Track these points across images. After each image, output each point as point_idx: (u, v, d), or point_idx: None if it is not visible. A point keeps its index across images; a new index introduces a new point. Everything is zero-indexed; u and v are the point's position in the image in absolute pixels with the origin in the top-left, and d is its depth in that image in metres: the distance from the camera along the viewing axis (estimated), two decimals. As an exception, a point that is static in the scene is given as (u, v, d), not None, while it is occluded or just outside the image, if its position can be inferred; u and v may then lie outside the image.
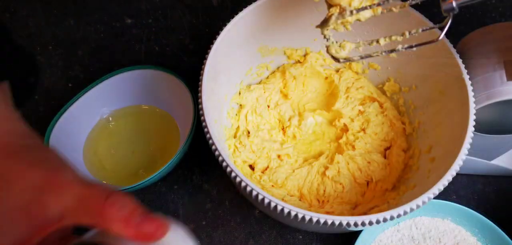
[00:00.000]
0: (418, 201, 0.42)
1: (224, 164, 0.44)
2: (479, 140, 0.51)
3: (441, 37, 0.37)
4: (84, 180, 0.28)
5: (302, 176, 0.56)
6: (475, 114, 0.46)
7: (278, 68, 0.64)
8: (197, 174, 0.61)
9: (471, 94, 0.47)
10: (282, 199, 0.54)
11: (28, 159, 0.29)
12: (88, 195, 0.27)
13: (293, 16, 0.59)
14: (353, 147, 0.58)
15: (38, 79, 0.70)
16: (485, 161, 0.56)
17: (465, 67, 0.49)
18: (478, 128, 0.49)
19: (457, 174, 0.44)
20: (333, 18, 0.40)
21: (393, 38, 0.41)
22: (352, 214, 0.54)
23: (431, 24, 0.51)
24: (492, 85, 0.47)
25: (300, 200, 0.55)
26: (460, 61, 0.49)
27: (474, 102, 0.47)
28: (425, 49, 0.55)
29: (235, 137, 0.59)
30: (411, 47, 0.40)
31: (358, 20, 0.41)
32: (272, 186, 0.56)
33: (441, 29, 0.37)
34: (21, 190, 0.27)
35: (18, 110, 0.33)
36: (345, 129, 0.61)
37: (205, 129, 0.46)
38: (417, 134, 0.58)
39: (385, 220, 0.42)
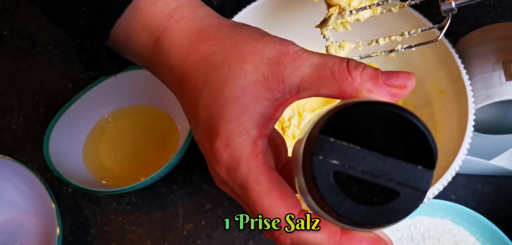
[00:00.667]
0: (417, 200, 0.42)
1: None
2: (478, 140, 0.51)
3: (440, 37, 0.38)
4: (313, 51, 0.27)
5: (302, 176, 0.56)
6: (474, 114, 0.46)
7: (277, 68, 0.65)
8: (196, 174, 0.62)
9: (470, 94, 0.47)
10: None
11: (250, 34, 0.28)
12: (327, 62, 0.25)
13: (293, 16, 0.59)
14: (353, 147, 0.58)
15: (38, 79, 0.70)
16: (484, 161, 0.56)
17: (464, 67, 0.49)
18: (477, 128, 0.49)
19: (456, 174, 0.44)
20: (333, 18, 0.40)
21: (393, 38, 0.41)
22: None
23: (430, 24, 0.51)
24: (491, 85, 0.47)
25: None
26: (459, 61, 0.50)
27: (473, 102, 0.47)
28: (425, 49, 0.55)
29: (234, 137, 0.59)
30: (410, 47, 0.40)
31: (358, 20, 0.41)
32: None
33: (440, 29, 0.38)
34: (256, 65, 0.26)
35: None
36: (344, 129, 0.61)
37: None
38: (416, 134, 0.58)
39: (384, 219, 0.42)
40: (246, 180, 0.25)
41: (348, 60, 0.26)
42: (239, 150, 0.25)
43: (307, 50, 0.27)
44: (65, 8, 0.32)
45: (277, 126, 0.62)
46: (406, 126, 0.21)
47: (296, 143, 0.27)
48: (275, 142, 0.32)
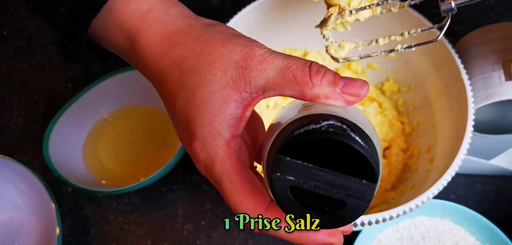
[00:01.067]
0: (417, 201, 0.43)
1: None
2: (478, 140, 0.51)
3: (440, 37, 0.38)
4: (279, 52, 0.29)
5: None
6: (474, 114, 0.46)
7: (277, 68, 0.65)
8: (196, 174, 0.62)
9: (470, 94, 0.47)
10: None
11: (218, 38, 0.30)
12: (290, 66, 0.28)
13: (292, 16, 0.59)
14: (352, 147, 0.58)
15: (38, 79, 0.70)
16: (484, 161, 0.56)
17: (464, 67, 0.49)
18: (477, 128, 0.49)
19: (456, 174, 0.44)
20: (332, 18, 0.40)
21: (392, 38, 0.41)
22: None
23: (430, 24, 0.51)
24: (491, 85, 0.47)
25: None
26: (458, 61, 0.50)
27: (473, 102, 0.47)
28: (424, 49, 0.55)
29: (234, 137, 0.59)
30: (410, 47, 0.40)
31: (357, 20, 0.41)
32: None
33: (440, 29, 0.38)
34: (224, 69, 0.28)
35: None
36: (344, 129, 0.61)
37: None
38: (416, 134, 0.58)
39: (384, 220, 0.42)
40: (221, 179, 0.28)
41: (311, 64, 0.28)
42: (213, 151, 0.28)
43: (272, 52, 0.29)
44: (46, 6, 0.33)
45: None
46: (351, 150, 0.24)
47: (269, 127, 0.29)
48: (253, 125, 0.34)
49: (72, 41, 0.34)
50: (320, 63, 0.28)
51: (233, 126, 0.28)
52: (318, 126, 0.24)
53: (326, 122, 0.25)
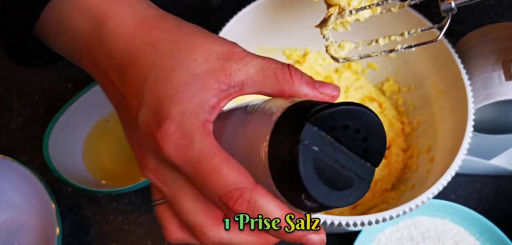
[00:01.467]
0: (417, 201, 0.43)
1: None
2: (478, 140, 0.51)
3: (440, 37, 0.38)
4: (256, 54, 0.30)
5: (302, 176, 0.56)
6: (474, 114, 0.47)
7: (277, 68, 0.64)
8: (196, 174, 0.61)
9: (470, 94, 0.47)
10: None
11: (198, 31, 0.30)
12: (270, 65, 0.29)
13: (293, 16, 0.59)
14: (352, 147, 0.58)
15: (38, 79, 0.70)
16: (484, 161, 0.56)
17: (464, 67, 0.49)
18: (477, 128, 0.49)
19: (456, 174, 0.44)
20: (332, 18, 0.40)
21: (392, 38, 0.41)
22: (352, 214, 0.54)
23: (430, 24, 0.51)
24: (491, 85, 0.47)
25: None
26: (458, 61, 0.50)
27: (473, 102, 0.47)
28: (424, 49, 0.55)
29: (234, 137, 0.59)
30: (410, 47, 0.40)
31: (357, 20, 0.41)
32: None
33: (440, 29, 0.38)
34: (205, 57, 0.29)
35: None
36: (344, 129, 0.61)
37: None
38: (416, 134, 0.58)
39: (384, 220, 0.42)
40: (202, 155, 0.26)
41: (288, 65, 0.29)
42: (191, 129, 0.27)
43: (251, 52, 0.29)
44: None
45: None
46: (373, 124, 0.24)
47: (248, 120, 0.29)
48: None
49: (21, 25, 0.32)
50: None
51: (208, 111, 0.28)
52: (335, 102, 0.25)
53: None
